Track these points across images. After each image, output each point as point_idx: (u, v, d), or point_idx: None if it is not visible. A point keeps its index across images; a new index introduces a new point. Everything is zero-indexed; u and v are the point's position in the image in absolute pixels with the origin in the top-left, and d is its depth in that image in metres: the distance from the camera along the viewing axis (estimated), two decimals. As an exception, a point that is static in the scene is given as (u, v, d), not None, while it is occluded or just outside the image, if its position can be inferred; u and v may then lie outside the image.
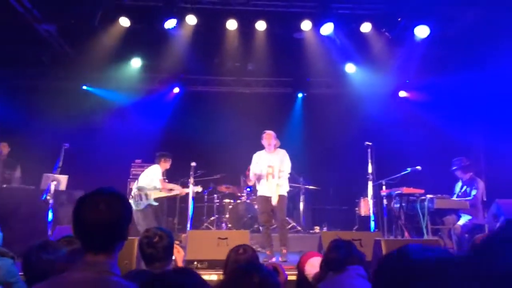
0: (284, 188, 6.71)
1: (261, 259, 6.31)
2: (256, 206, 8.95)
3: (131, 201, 7.14)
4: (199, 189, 7.59)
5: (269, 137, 6.74)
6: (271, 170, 6.65)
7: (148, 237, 2.94)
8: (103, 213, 1.69)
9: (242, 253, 3.07)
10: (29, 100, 9.45)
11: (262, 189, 6.70)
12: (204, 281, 1.52)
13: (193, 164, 7.27)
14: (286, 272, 2.75)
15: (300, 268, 3.14)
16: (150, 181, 7.38)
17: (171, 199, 9.07)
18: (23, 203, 7.32)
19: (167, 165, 7.65)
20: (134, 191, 7.29)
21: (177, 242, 7.88)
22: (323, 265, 2.68)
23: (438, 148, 8.80)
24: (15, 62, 9.39)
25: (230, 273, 1.83)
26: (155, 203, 7.43)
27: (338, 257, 2.55)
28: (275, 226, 7.03)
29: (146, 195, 7.28)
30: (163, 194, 7.53)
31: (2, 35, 8.06)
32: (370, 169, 6.60)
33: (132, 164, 8.90)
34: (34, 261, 2.55)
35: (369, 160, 6.60)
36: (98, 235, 1.69)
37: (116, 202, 1.75)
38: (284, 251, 6.41)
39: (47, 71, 9.73)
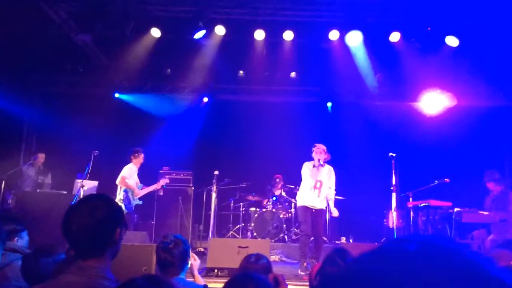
0: (325, 203, 6.73)
1: (299, 271, 6.31)
2: (281, 215, 8.99)
3: (121, 205, 7.27)
4: (166, 181, 7.90)
5: (319, 151, 6.65)
6: (319, 185, 6.65)
7: (164, 243, 3.00)
8: (85, 219, 1.71)
9: (254, 262, 3.07)
10: (63, 107, 9.81)
11: (306, 200, 6.66)
12: None
13: (216, 172, 7.36)
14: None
15: (310, 276, 3.13)
16: (128, 181, 7.45)
17: (198, 208, 9.20)
18: (55, 207, 7.60)
19: (139, 160, 7.68)
20: (122, 194, 7.33)
21: (201, 249, 8.04)
22: (319, 279, 2.45)
23: (467, 160, 8.57)
24: (51, 71, 9.78)
25: (226, 283, 1.86)
26: (140, 202, 7.53)
27: (339, 269, 2.34)
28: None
29: (132, 194, 7.38)
30: (145, 191, 7.61)
31: (39, 44, 8.42)
32: (393, 181, 6.50)
33: (160, 171, 9.07)
34: (32, 264, 2.64)
35: (393, 172, 6.51)
36: (84, 240, 1.72)
37: (100, 207, 1.76)
38: (317, 264, 6.35)
39: (81, 79, 10.07)
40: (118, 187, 7.30)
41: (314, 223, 6.58)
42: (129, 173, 7.37)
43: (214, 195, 7.02)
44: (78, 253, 1.76)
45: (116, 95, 10.55)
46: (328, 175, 6.73)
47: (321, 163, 6.60)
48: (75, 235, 1.73)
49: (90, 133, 9.16)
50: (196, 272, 3.55)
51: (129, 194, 7.33)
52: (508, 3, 6.95)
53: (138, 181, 7.60)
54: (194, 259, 3.55)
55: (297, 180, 7.43)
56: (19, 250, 3.69)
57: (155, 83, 10.29)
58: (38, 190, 8.09)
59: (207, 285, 3.11)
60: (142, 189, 7.58)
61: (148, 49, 8.78)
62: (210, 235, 6.87)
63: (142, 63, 9.13)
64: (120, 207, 1.92)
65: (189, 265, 3.33)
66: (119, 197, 7.28)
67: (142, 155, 7.68)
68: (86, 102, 9.70)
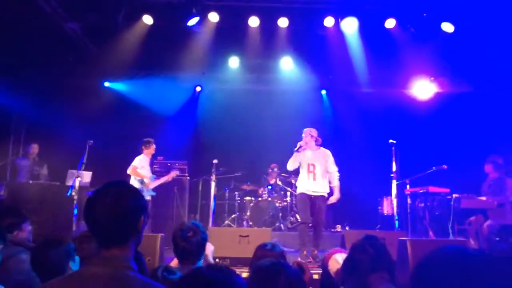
0: (325, 188, 6.57)
1: (299, 259, 6.26)
2: (277, 204, 8.97)
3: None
4: (177, 172, 7.92)
5: (304, 135, 6.59)
6: (312, 168, 6.53)
7: (182, 230, 2.92)
8: (111, 206, 1.66)
9: (270, 249, 3.00)
10: (55, 97, 9.60)
11: (303, 186, 6.54)
12: (240, 279, 1.53)
13: (215, 161, 7.29)
14: (311, 271, 2.67)
15: (323, 264, 3.08)
16: (140, 171, 7.39)
17: (194, 197, 9.13)
18: (49, 199, 7.48)
19: (151, 150, 7.60)
20: (137, 185, 7.24)
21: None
22: (346, 266, 2.43)
23: (464, 147, 8.60)
24: (41, 61, 9.53)
25: (255, 272, 1.80)
26: (154, 193, 7.48)
27: (367, 258, 2.30)
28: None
29: (145, 185, 7.33)
30: (158, 182, 7.55)
31: (28, 34, 8.19)
32: (394, 168, 6.48)
33: (155, 161, 8.96)
34: (42, 257, 2.55)
35: (393, 159, 6.49)
36: (109, 228, 1.66)
37: (125, 194, 1.71)
38: (316, 252, 6.36)
39: (72, 69, 9.85)
40: (132, 178, 7.19)
41: (314, 211, 6.48)
42: (140, 164, 7.31)
43: (213, 184, 6.94)
44: (102, 242, 1.69)
45: (106, 84, 10.34)
46: (322, 158, 6.61)
47: (297, 148, 6.49)
48: (99, 223, 1.67)
49: (81, 123, 9.01)
50: (211, 259, 3.48)
51: (144, 186, 7.28)
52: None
53: (150, 173, 7.51)
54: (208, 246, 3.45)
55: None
56: (20, 243, 3.59)
57: (147, 71, 10.10)
58: (31, 181, 7.92)
59: None
60: (154, 180, 7.49)
61: (140, 36, 8.60)
62: (210, 225, 6.80)
63: (134, 51, 8.94)
64: (143, 195, 1.83)
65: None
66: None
67: (153, 146, 7.61)
68: (76, 92, 9.52)
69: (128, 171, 7.23)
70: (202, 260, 3.01)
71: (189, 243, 2.84)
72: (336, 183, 6.59)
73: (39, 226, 6.78)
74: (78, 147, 7.56)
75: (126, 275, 1.64)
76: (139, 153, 7.48)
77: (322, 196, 6.52)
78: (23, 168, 8.43)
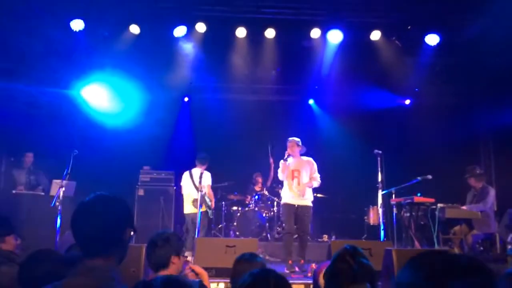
0: (309, 197, 6.71)
1: (285, 270, 6.26)
2: (264, 214, 8.96)
3: (210, 211, 7.42)
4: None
5: (291, 145, 6.73)
6: (297, 174, 6.64)
7: (152, 239, 3.00)
8: (97, 217, 1.69)
9: (249, 259, 2.99)
10: (36, 106, 9.43)
11: (288, 196, 6.66)
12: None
13: (203, 171, 7.28)
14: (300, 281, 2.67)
15: (315, 277, 3.08)
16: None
17: (180, 207, 9.06)
18: (33, 210, 7.36)
19: (206, 166, 7.74)
20: (208, 200, 7.45)
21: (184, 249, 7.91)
22: (328, 277, 2.39)
23: (448, 156, 8.68)
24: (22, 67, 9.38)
25: (246, 278, 1.82)
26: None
27: (347, 269, 2.28)
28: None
29: (211, 206, 7.55)
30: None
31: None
32: (379, 178, 6.55)
33: (141, 171, 8.90)
34: (30, 271, 2.49)
35: (379, 169, 6.56)
36: (94, 239, 1.68)
37: (111, 206, 1.75)
38: (302, 261, 6.41)
39: (56, 77, 9.69)
40: (199, 192, 7.15)
41: (299, 221, 6.54)
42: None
43: (199, 194, 6.90)
44: (86, 251, 1.71)
45: (84, 92, 10.01)
46: (307, 166, 6.76)
47: (286, 157, 6.65)
48: (83, 232, 1.70)
49: (69, 133, 8.88)
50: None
51: (210, 204, 7.48)
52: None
53: None
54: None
55: (279, 179, 7.42)
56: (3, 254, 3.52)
57: (134, 81, 10.02)
58: (14, 191, 7.77)
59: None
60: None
61: (127, 46, 8.56)
62: (196, 235, 6.76)
63: (120, 60, 8.89)
64: (129, 207, 1.85)
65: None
66: (207, 202, 7.37)
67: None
68: (62, 101, 9.39)
69: (206, 190, 7.34)
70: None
71: (157, 252, 2.92)
72: (315, 184, 6.78)
73: (24, 238, 6.66)
74: (62, 157, 7.42)
75: (110, 286, 1.64)
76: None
77: (307, 206, 6.60)
78: (18, 177, 8.20)
